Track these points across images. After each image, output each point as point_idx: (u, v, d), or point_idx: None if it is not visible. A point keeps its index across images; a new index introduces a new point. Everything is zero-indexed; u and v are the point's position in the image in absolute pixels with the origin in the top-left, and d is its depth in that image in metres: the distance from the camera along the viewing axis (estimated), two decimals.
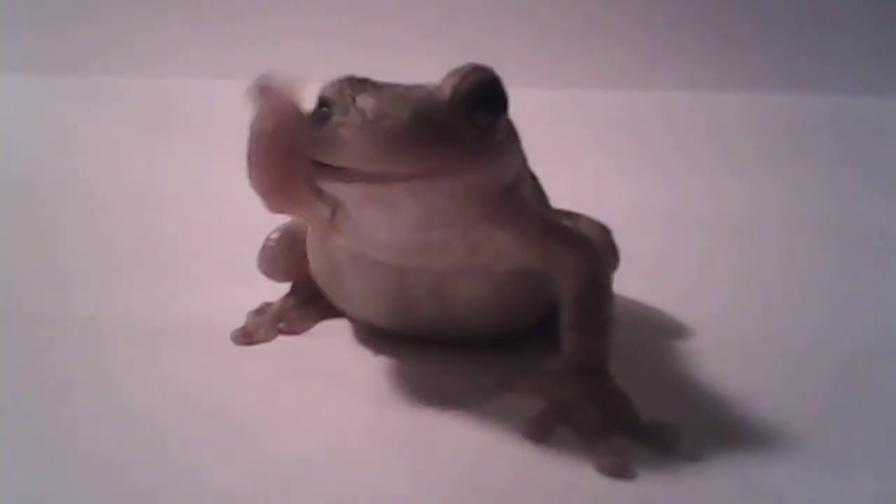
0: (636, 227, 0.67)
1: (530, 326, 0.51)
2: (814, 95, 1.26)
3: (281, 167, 0.39)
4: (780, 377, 0.49)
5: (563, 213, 0.57)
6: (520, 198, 0.45)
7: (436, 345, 0.50)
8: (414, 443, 0.41)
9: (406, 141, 0.37)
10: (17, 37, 1.33)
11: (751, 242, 0.82)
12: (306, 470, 0.38)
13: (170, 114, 1.18)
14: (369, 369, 0.49)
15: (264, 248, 0.56)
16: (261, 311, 0.56)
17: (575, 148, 1.06)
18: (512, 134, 0.44)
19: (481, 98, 0.40)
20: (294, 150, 0.39)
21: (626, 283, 0.58)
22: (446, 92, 0.39)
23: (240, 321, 0.54)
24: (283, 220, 0.53)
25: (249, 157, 0.40)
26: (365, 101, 0.37)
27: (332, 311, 0.55)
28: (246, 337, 0.52)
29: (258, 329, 0.53)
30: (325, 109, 0.39)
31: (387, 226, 0.42)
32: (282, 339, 0.53)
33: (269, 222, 0.52)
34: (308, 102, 0.40)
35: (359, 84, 0.39)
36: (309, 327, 0.55)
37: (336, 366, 0.49)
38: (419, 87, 0.40)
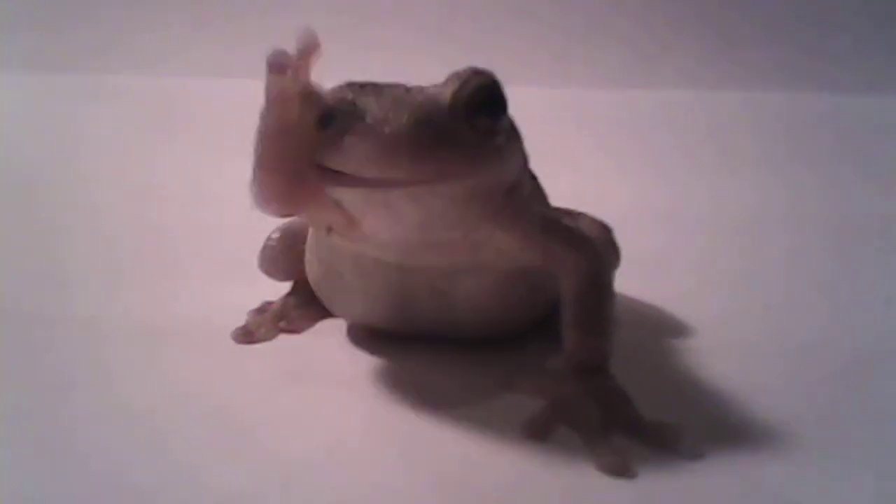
0: (636, 226, 0.67)
1: (531, 324, 0.51)
2: (814, 94, 1.26)
3: (289, 170, 0.40)
4: (780, 377, 0.49)
5: (564, 212, 0.57)
6: (521, 198, 0.45)
7: (436, 344, 0.50)
8: (414, 443, 0.41)
9: (407, 147, 0.37)
10: (18, 35, 1.33)
11: (751, 242, 0.82)
12: (306, 470, 0.38)
13: (170, 113, 1.18)
14: (369, 369, 0.49)
15: (265, 247, 0.57)
16: (262, 310, 0.56)
17: (575, 147, 1.06)
18: (514, 134, 0.44)
19: (482, 102, 0.40)
20: (302, 153, 0.39)
21: (627, 281, 0.58)
22: (447, 96, 0.39)
23: (240, 320, 0.54)
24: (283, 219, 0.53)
25: (258, 160, 0.40)
26: (366, 107, 0.38)
27: None
28: (247, 336, 0.52)
29: (259, 328, 0.53)
30: (328, 115, 0.39)
31: (389, 228, 0.43)
32: (282, 338, 0.53)
33: (269, 222, 0.52)
34: (318, 74, 0.40)
35: (360, 89, 0.39)
36: (310, 326, 0.55)
37: (336, 365, 0.49)
38: (420, 89, 0.40)
